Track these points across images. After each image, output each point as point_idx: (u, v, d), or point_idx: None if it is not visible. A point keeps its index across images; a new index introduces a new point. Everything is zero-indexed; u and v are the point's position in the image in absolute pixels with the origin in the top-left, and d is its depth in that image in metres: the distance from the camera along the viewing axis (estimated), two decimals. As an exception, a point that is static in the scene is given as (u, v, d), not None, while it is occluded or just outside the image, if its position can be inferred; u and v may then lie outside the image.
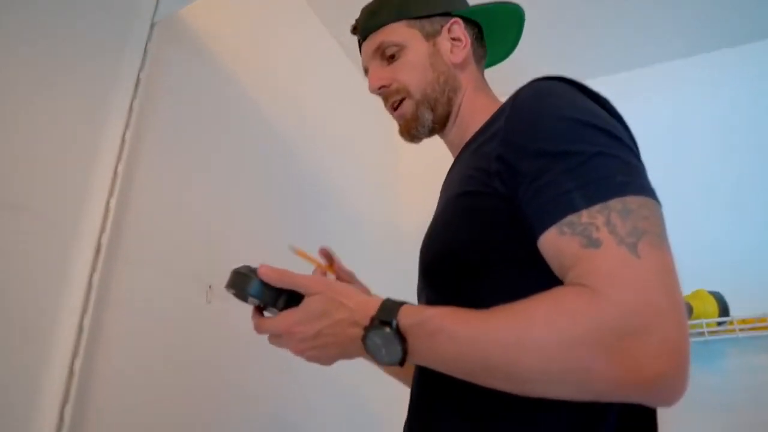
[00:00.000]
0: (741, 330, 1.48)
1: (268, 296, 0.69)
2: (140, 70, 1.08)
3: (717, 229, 1.73)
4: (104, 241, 0.95)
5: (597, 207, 0.57)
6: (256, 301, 0.70)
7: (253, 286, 0.68)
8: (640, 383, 0.50)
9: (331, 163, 1.79)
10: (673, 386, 0.51)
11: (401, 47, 0.90)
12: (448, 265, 0.73)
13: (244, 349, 1.23)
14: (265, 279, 0.69)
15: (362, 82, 2.12)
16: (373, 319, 0.62)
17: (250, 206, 1.36)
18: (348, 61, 2.05)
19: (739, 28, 1.93)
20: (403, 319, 0.61)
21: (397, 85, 0.89)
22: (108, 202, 0.97)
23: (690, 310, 1.39)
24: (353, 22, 0.97)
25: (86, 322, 0.89)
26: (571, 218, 0.58)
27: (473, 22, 0.94)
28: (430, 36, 0.90)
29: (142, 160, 1.06)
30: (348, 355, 0.68)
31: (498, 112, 0.76)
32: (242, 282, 0.69)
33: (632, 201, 0.57)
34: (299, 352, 0.69)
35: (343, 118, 1.96)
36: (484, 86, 0.93)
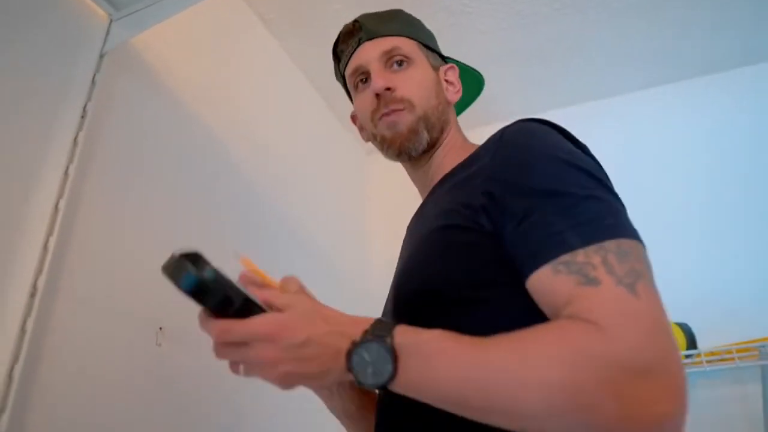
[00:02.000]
0: (708, 362, 1.46)
1: (212, 299, 0.54)
2: (87, 101, 1.03)
3: (681, 260, 1.73)
4: (41, 283, 0.88)
5: (593, 247, 0.57)
6: (192, 298, 0.54)
7: (187, 279, 0.53)
8: (647, 422, 0.49)
9: (294, 197, 1.75)
10: (677, 425, 0.50)
11: (412, 61, 0.89)
12: (427, 301, 0.70)
13: (197, 394, 1.17)
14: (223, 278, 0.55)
15: (327, 112, 2.13)
16: (365, 333, 0.56)
17: (206, 243, 1.30)
18: (311, 89, 2.03)
19: (698, 60, 1.97)
20: (399, 336, 0.56)
21: (402, 94, 0.86)
22: (47, 241, 0.91)
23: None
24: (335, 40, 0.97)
25: (16, 372, 0.83)
26: (566, 257, 0.57)
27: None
28: (434, 68, 0.91)
29: (86, 194, 1.01)
30: (322, 376, 0.58)
31: (480, 150, 0.77)
32: (178, 270, 0.54)
33: (626, 243, 0.58)
34: (273, 364, 0.55)
35: (306, 149, 1.92)
36: (461, 130, 0.94)
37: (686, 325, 1.48)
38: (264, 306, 0.57)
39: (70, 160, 0.98)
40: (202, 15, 1.26)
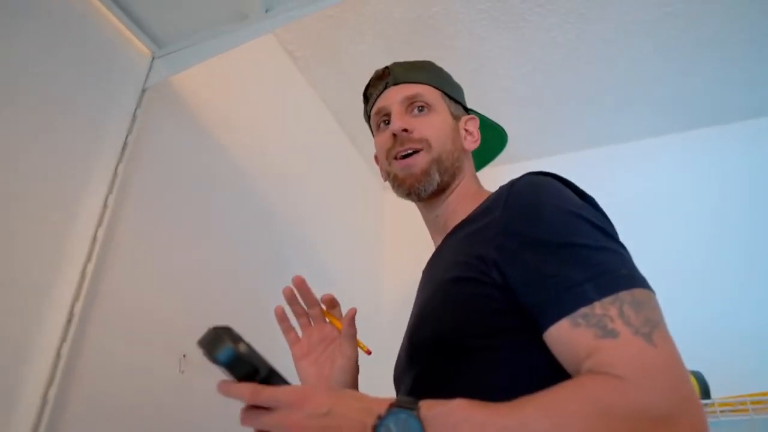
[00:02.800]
0: (722, 412, 1.46)
1: (242, 369, 0.59)
2: (128, 134, 1.08)
3: (696, 308, 1.74)
4: (77, 309, 0.92)
5: (609, 299, 0.59)
6: (224, 370, 0.59)
7: (225, 351, 0.57)
8: None
9: (316, 231, 1.78)
10: None
11: (432, 108, 0.92)
12: (441, 348, 0.72)
13: (217, 421, 1.18)
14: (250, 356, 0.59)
15: (350, 147, 2.18)
16: (391, 405, 0.57)
17: (231, 274, 1.34)
18: (337, 127, 2.08)
19: (708, 111, 2.01)
20: (424, 408, 0.57)
21: (419, 135, 0.89)
22: (85, 268, 0.95)
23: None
24: (375, 76, 0.99)
25: (52, 393, 0.85)
26: (584, 310, 0.59)
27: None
28: (455, 117, 0.95)
29: (123, 225, 1.05)
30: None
31: (491, 202, 0.77)
32: (215, 343, 0.58)
33: (639, 293, 0.60)
34: (296, 431, 0.58)
35: (330, 185, 1.96)
36: (477, 179, 0.96)
37: (699, 373, 1.48)
38: (285, 378, 0.62)
39: (110, 191, 1.02)
40: (236, 52, 1.31)
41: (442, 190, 0.90)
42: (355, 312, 0.84)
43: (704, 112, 2.02)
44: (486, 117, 1.01)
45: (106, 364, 0.98)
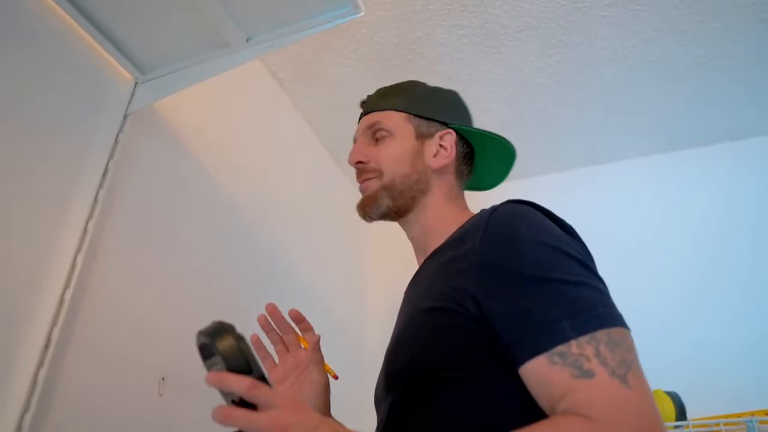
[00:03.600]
0: (696, 432, 1.48)
1: (238, 364, 0.60)
2: (109, 159, 1.09)
3: (674, 329, 1.77)
4: (55, 335, 0.92)
5: (586, 338, 0.60)
6: (220, 363, 0.60)
7: (227, 341, 0.60)
8: None
9: (300, 251, 1.79)
10: None
11: (390, 135, 0.94)
12: (415, 378, 0.73)
13: (195, 445, 1.19)
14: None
15: (335, 169, 2.20)
16: None
17: (212, 296, 1.35)
18: (322, 149, 2.10)
19: (690, 132, 2.06)
20: None
21: (374, 165, 0.93)
22: (63, 294, 0.96)
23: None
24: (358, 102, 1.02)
25: (27, 420, 0.86)
26: (561, 348, 0.60)
27: (467, 142, 0.99)
28: (421, 136, 0.94)
29: (102, 251, 1.06)
30: None
31: (469, 228, 0.78)
32: (220, 332, 0.61)
33: (616, 332, 0.61)
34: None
35: (315, 206, 1.98)
36: (456, 198, 0.95)
37: (676, 394, 1.50)
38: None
39: (90, 217, 1.03)
40: (220, 75, 1.34)
41: (402, 212, 0.92)
42: (319, 338, 0.88)
43: (686, 133, 2.06)
44: (482, 130, 0.98)
45: (84, 389, 0.98)
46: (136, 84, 1.19)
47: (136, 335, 1.11)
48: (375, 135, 0.95)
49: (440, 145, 0.95)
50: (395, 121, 0.95)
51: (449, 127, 0.96)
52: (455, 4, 1.57)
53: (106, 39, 1.12)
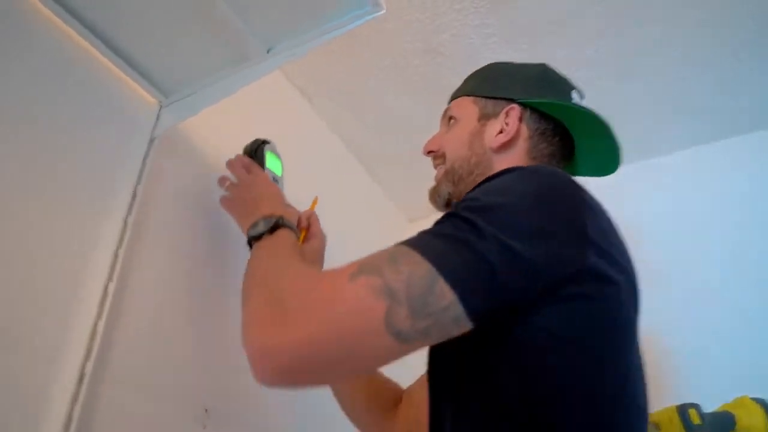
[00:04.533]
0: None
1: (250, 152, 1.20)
2: (137, 184, 1.06)
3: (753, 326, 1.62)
4: (89, 368, 0.88)
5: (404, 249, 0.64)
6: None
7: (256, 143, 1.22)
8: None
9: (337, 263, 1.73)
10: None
11: (456, 120, 0.97)
12: None
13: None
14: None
15: (371, 184, 2.14)
16: (276, 217, 0.92)
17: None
18: (352, 158, 2.04)
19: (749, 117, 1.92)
20: (281, 230, 0.91)
21: (441, 152, 0.97)
22: (95, 325, 0.92)
23: (732, 421, 1.26)
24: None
25: (63, 461, 0.81)
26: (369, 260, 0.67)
27: (552, 119, 0.93)
28: (484, 117, 0.94)
29: (134, 278, 1.02)
30: (245, 215, 1.01)
31: None
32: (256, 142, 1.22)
33: (409, 254, 0.62)
34: (238, 194, 1.09)
35: (352, 223, 1.92)
36: None
37: (764, 401, 1.36)
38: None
39: (120, 245, 1.00)
40: (246, 94, 1.31)
41: (459, 197, 0.90)
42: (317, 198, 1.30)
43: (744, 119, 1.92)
44: (555, 101, 0.91)
45: (121, 425, 0.93)
46: (161, 107, 1.17)
47: (175, 364, 1.06)
48: (448, 123, 1.00)
49: (505, 123, 0.91)
50: (463, 106, 0.98)
51: (516, 103, 0.92)
52: (482, 0, 1.51)
53: (128, 65, 1.10)
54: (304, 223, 1.16)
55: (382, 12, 1.00)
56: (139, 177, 1.07)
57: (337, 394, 1.15)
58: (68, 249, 0.94)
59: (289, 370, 0.58)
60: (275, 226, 0.89)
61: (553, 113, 0.93)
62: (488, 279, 0.59)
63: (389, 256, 0.62)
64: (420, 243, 0.63)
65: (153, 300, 1.05)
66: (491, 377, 0.65)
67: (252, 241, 0.91)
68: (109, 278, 0.96)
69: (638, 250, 0.79)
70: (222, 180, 1.12)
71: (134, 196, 1.05)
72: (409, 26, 1.57)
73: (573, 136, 0.96)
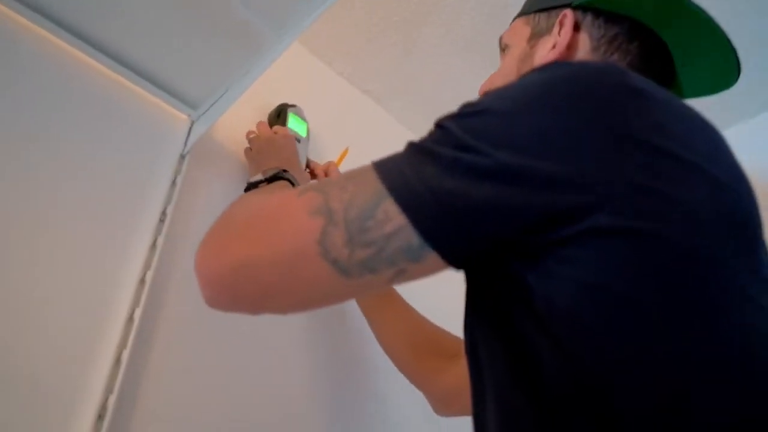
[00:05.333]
0: None
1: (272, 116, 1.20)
2: (167, 204, 0.99)
3: None
4: (110, 403, 0.79)
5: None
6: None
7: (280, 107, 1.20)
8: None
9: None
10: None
11: (507, 48, 0.79)
12: None
13: None
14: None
15: (406, 136, 1.83)
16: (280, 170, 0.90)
17: (283, 346, 1.10)
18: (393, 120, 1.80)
19: None
20: (278, 181, 0.88)
21: (485, 89, 0.80)
22: (120, 354, 0.83)
23: None
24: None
25: None
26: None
27: (625, 17, 0.69)
28: (536, 36, 0.75)
29: (164, 303, 0.92)
30: (260, 159, 1.02)
31: None
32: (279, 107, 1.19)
33: (367, 174, 0.50)
34: (256, 141, 1.09)
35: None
36: None
37: None
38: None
39: (147, 267, 0.91)
40: (279, 97, 1.22)
41: None
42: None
43: None
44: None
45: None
46: (192, 123, 1.10)
47: (206, 397, 0.93)
48: (503, 54, 0.82)
49: (558, 35, 0.71)
50: (516, 29, 0.78)
51: (572, 6, 0.70)
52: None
53: (156, 86, 1.06)
54: (321, 175, 1.13)
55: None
56: (168, 197, 1.00)
57: (382, 337, 1.07)
58: (96, 272, 0.88)
59: (230, 294, 0.52)
60: (274, 177, 0.87)
61: (625, 11, 0.69)
62: (457, 200, 0.42)
63: (348, 174, 0.51)
64: (382, 160, 0.51)
65: (181, 327, 0.93)
66: (524, 350, 0.44)
67: (249, 189, 0.89)
68: (135, 304, 0.88)
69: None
70: (248, 133, 1.14)
71: (163, 218, 0.98)
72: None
73: (663, 38, 0.70)
